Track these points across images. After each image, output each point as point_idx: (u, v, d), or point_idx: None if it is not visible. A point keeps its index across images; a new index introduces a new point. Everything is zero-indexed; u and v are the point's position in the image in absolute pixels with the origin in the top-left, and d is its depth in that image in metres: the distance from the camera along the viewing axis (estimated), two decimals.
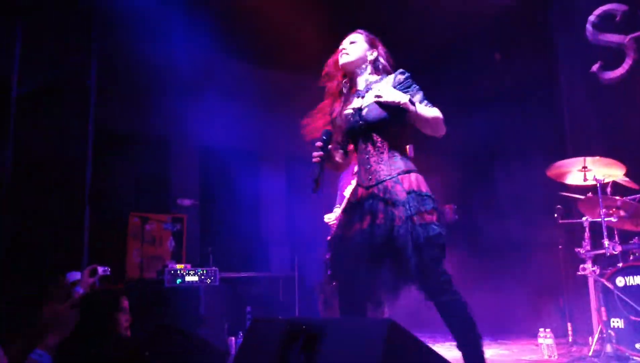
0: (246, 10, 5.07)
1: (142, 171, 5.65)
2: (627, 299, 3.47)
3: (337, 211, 4.15)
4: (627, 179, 4.03)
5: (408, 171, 2.33)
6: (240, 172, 6.03)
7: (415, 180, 2.31)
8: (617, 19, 5.06)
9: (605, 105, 5.15)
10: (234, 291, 5.11)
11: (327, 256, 3.84)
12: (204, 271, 4.76)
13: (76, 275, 3.48)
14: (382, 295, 2.38)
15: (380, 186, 2.31)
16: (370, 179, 2.35)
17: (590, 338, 3.84)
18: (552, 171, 4.13)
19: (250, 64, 6.15)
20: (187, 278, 4.68)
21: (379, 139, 2.36)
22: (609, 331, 3.55)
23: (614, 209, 3.93)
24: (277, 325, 1.80)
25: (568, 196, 4.28)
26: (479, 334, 2.24)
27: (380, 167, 2.34)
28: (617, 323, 3.54)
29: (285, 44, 5.46)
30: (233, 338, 4.64)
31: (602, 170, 3.91)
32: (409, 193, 2.26)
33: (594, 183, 3.88)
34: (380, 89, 2.33)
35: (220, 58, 5.88)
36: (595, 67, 5.19)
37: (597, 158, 3.89)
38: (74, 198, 4.19)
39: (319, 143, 2.34)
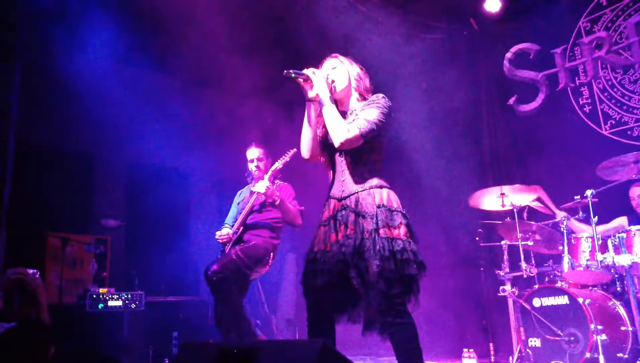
0: (181, 29, 5.02)
1: (64, 189, 5.33)
2: (543, 319, 3.69)
3: (227, 229, 4.04)
4: (541, 205, 4.33)
5: (380, 186, 2.38)
6: (170, 192, 5.85)
7: (386, 195, 2.36)
8: (531, 56, 5.50)
9: (521, 135, 5.54)
10: (161, 316, 4.91)
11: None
12: (129, 296, 4.56)
13: None
14: (352, 310, 2.37)
15: (352, 197, 2.36)
16: (344, 191, 2.40)
17: (510, 358, 4.03)
18: (473, 201, 4.37)
19: (180, 83, 6.06)
20: (110, 303, 4.47)
21: (354, 155, 2.41)
22: (527, 350, 3.76)
23: (529, 234, 4.19)
24: (207, 350, 1.76)
25: (488, 222, 4.53)
26: None
27: (354, 180, 2.39)
28: (535, 342, 3.75)
29: (220, 67, 5.46)
30: None
31: (519, 196, 4.18)
32: (378, 206, 2.30)
33: (511, 208, 4.14)
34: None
35: (151, 75, 5.75)
36: (511, 101, 5.59)
37: (515, 186, 4.16)
38: None
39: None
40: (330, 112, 2.37)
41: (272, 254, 3.94)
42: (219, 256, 3.96)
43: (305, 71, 2.45)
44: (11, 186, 3.92)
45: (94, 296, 4.42)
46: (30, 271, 2.97)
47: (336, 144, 2.35)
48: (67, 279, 5.01)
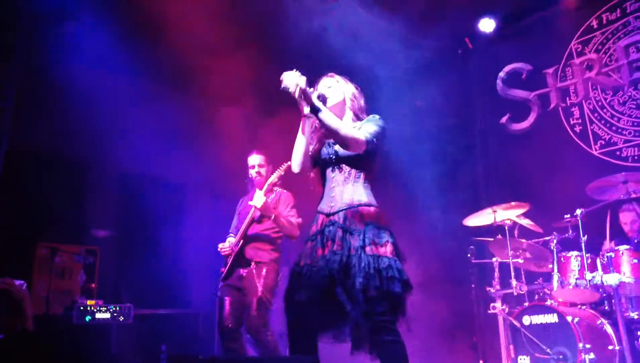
0: (170, 39, 5.05)
1: (54, 198, 5.27)
2: (532, 337, 3.69)
3: (231, 239, 4.04)
4: (532, 223, 4.36)
5: (369, 204, 2.39)
6: (162, 203, 5.82)
7: (374, 213, 2.37)
8: (523, 76, 5.58)
9: (513, 153, 5.58)
10: (149, 329, 4.85)
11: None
12: (117, 308, 4.51)
13: None
14: (338, 328, 2.34)
15: (340, 213, 2.37)
16: (333, 206, 2.41)
17: None
18: (467, 222, 4.41)
19: (172, 92, 6.05)
20: (98, 315, 4.42)
21: (347, 171, 2.44)
22: None
23: (520, 251, 4.22)
24: None
25: (480, 239, 4.55)
26: None
27: (343, 196, 2.40)
28: (524, 360, 3.74)
29: (215, 75, 5.48)
30: None
31: (509, 213, 4.22)
32: (367, 224, 2.31)
33: (502, 224, 4.17)
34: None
35: (145, 85, 5.74)
36: (504, 119, 5.65)
37: (506, 204, 4.18)
38: None
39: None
40: (329, 116, 2.36)
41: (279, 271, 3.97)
42: (229, 272, 3.92)
43: (283, 75, 2.34)
44: (1, 194, 3.89)
45: (82, 308, 4.37)
46: (17, 282, 2.93)
47: (341, 142, 2.35)
48: (55, 290, 4.95)
